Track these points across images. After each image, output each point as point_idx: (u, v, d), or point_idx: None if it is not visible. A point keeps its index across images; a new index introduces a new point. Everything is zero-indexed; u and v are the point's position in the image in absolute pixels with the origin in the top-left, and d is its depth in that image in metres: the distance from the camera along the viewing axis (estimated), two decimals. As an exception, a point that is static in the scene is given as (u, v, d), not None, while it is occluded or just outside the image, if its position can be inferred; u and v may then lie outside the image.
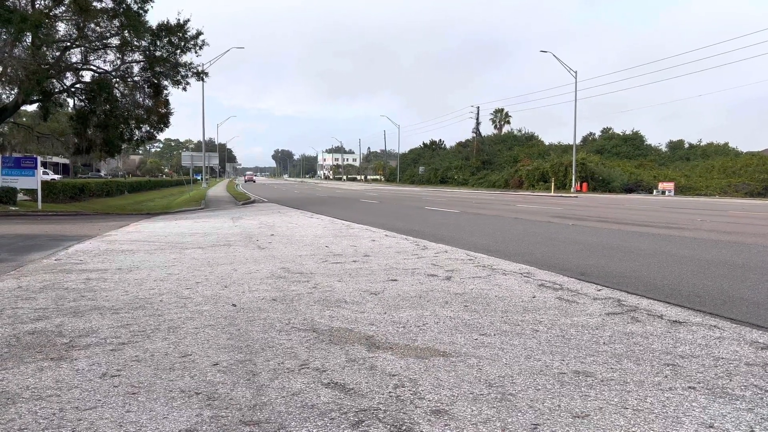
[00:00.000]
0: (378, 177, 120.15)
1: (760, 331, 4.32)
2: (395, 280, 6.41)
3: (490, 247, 9.62)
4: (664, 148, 66.04)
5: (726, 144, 62.48)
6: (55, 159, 66.99)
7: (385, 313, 4.89)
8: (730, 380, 3.28)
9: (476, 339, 4.11)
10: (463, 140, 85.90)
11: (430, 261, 7.88)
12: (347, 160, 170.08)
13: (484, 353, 3.77)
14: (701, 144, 64.51)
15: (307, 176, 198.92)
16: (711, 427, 2.68)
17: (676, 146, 66.13)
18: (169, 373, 3.38)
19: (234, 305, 5.19)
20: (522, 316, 4.77)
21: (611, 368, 3.48)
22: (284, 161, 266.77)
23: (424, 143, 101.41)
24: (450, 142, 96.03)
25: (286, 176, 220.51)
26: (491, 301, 5.37)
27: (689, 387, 3.17)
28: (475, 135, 79.39)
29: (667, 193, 43.10)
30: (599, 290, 5.89)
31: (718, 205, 26.25)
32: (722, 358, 3.67)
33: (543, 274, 6.87)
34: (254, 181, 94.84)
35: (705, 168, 50.77)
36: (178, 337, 4.14)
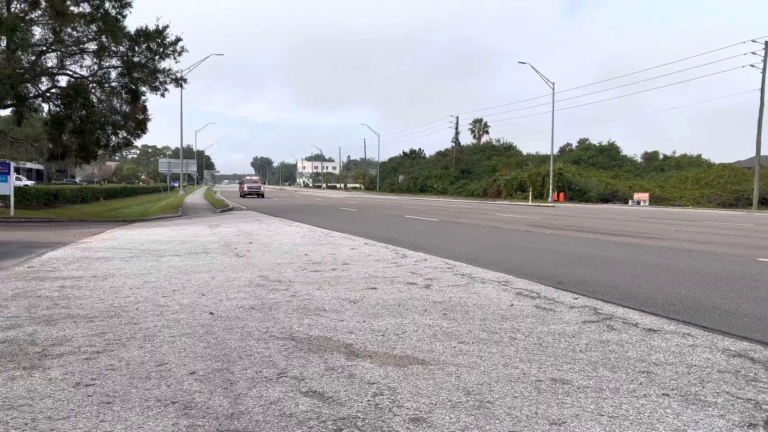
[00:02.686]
0: (358, 185, 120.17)
1: (732, 339, 4.41)
2: (375, 289, 6.41)
3: (469, 255, 9.67)
4: (639, 159, 67.18)
5: (699, 156, 63.81)
6: (29, 165, 65.83)
7: (364, 321, 4.89)
8: (703, 387, 3.34)
9: (455, 347, 4.12)
10: (443, 149, 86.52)
11: (410, 269, 7.89)
12: (327, 168, 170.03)
13: (462, 361, 3.79)
14: (675, 155, 65.80)
15: (286, 184, 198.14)
16: (684, 433, 2.72)
17: (650, 157, 67.30)
18: (145, 382, 3.34)
19: (211, 313, 5.14)
20: (500, 324, 4.80)
21: (587, 376, 3.52)
22: (263, 169, 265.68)
23: (404, 152, 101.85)
24: (430, 151, 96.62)
25: (265, 184, 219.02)
26: (470, 309, 5.40)
27: (663, 394, 3.22)
28: (454, 144, 79.94)
29: (642, 203, 43.79)
30: (576, 299, 5.96)
31: (691, 216, 26.75)
32: (695, 366, 3.73)
33: (521, 282, 6.93)
34: (261, 196, 49.55)
35: (679, 179, 51.75)
36: (154, 346, 4.09)
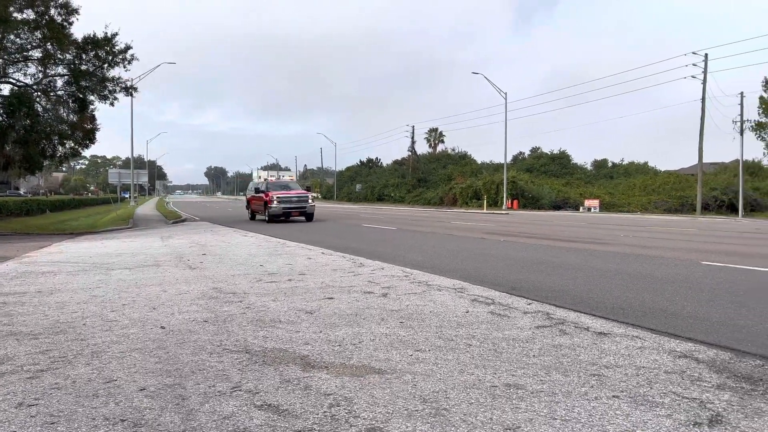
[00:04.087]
0: (315, 194, 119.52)
1: (678, 341, 4.56)
2: (331, 299, 6.38)
3: (425, 263, 9.73)
4: (589, 167, 68.97)
5: (646, 163, 65.96)
6: (-31, 176, 63.01)
7: (321, 331, 4.85)
8: (651, 388, 3.44)
9: (411, 355, 4.13)
10: (400, 158, 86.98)
11: (367, 278, 7.88)
12: (283, 177, 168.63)
13: (418, 369, 3.80)
14: (623, 163, 67.82)
15: (241, 194, 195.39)
16: (633, 433, 2.79)
17: (600, 165, 69.19)
18: (92, 401, 3.22)
19: (163, 327, 5.01)
20: (456, 331, 4.84)
21: (541, 380, 3.58)
22: (218, 178, 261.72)
23: (361, 161, 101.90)
24: (386, 160, 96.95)
25: (219, 194, 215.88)
26: (426, 316, 5.42)
27: (613, 396, 3.30)
28: (410, 153, 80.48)
29: (592, 209, 44.96)
30: (529, 304, 6.06)
31: (639, 221, 27.62)
32: (643, 367, 3.84)
33: (476, 289, 7.01)
34: (309, 218, 24.76)
35: (627, 186, 53.39)
36: (102, 362, 3.95)
